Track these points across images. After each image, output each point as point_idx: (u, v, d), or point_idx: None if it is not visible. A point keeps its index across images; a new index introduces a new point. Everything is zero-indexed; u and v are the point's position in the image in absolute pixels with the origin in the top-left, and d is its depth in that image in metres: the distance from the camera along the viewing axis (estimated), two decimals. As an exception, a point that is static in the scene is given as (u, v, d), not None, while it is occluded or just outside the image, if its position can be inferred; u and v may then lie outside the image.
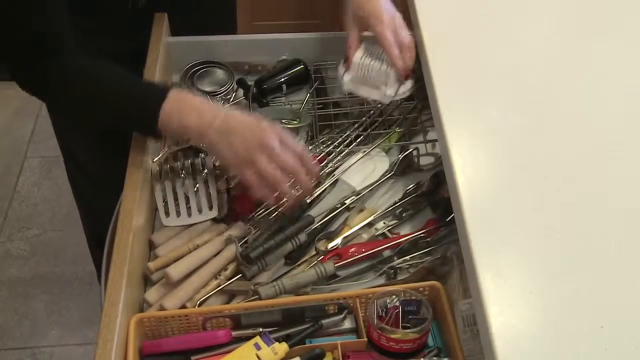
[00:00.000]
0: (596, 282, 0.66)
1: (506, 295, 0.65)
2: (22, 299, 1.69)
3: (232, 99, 1.05)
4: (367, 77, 0.95)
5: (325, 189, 0.92)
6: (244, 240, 0.85)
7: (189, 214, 0.89)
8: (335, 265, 0.83)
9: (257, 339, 0.71)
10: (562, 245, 0.70)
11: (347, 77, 0.97)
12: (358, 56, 0.96)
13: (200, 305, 0.79)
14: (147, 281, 0.84)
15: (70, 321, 1.64)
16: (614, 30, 0.98)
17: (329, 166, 0.95)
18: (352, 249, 0.86)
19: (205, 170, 0.92)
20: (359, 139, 0.98)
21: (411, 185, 0.92)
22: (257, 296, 0.79)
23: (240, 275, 0.81)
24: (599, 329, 0.62)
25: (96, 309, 1.67)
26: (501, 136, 0.82)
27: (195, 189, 0.91)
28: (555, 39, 0.96)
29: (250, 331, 0.74)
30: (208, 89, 1.05)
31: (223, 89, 1.04)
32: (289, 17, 2.07)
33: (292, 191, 0.81)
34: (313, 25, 2.09)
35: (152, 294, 0.81)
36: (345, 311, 0.77)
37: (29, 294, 1.70)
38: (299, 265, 0.86)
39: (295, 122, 0.99)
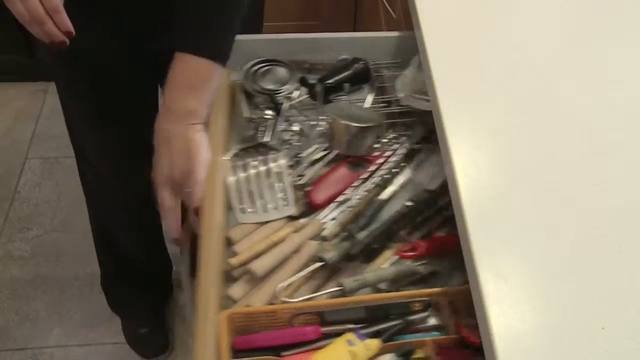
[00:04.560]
0: (597, 283, 0.66)
1: (507, 296, 0.65)
2: (23, 300, 1.69)
3: (295, 97, 1.04)
4: (417, 90, 0.96)
5: (395, 189, 0.92)
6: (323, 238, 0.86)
7: (265, 211, 0.89)
8: (410, 256, 0.81)
9: (350, 335, 0.72)
10: (563, 245, 0.70)
11: (402, 94, 0.98)
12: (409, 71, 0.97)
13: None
14: (226, 278, 0.84)
15: (71, 322, 1.64)
16: (615, 30, 0.98)
17: (395, 166, 0.96)
18: (427, 244, 0.84)
19: (280, 165, 0.93)
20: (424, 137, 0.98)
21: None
22: (340, 288, 0.78)
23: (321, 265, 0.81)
24: (599, 330, 0.62)
25: (97, 310, 1.67)
26: (502, 136, 0.82)
27: (270, 184, 0.91)
28: (556, 39, 0.96)
29: (338, 327, 0.74)
30: (270, 86, 1.04)
31: (285, 87, 1.04)
32: (290, 18, 2.08)
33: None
34: (313, 26, 2.10)
35: (236, 291, 0.81)
36: (430, 308, 0.76)
37: (30, 295, 1.70)
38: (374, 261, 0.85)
39: (368, 121, 0.98)
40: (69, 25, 0.72)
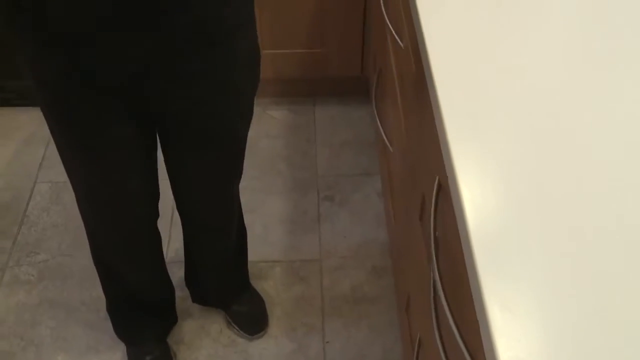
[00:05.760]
0: (607, 315, 0.66)
1: (514, 328, 0.64)
2: (29, 324, 1.69)
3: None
4: None
5: None
6: None
7: None
8: None
9: None
10: (572, 277, 0.69)
11: None
12: None
13: None
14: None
15: (76, 348, 1.64)
16: (625, 58, 0.98)
17: None
18: None
19: None
20: None
21: None
22: None
23: None
24: (609, 364, 0.62)
25: (103, 336, 1.66)
26: (510, 166, 0.82)
27: None
28: (566, 68, 0.97)
29: None
30: None
31: None
32: (297, 46, 2.10)
33: None
34: (321, 54, 2.12)
35: None
36: None
37: (36, 319, 1.70)
38: None
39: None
40: None
